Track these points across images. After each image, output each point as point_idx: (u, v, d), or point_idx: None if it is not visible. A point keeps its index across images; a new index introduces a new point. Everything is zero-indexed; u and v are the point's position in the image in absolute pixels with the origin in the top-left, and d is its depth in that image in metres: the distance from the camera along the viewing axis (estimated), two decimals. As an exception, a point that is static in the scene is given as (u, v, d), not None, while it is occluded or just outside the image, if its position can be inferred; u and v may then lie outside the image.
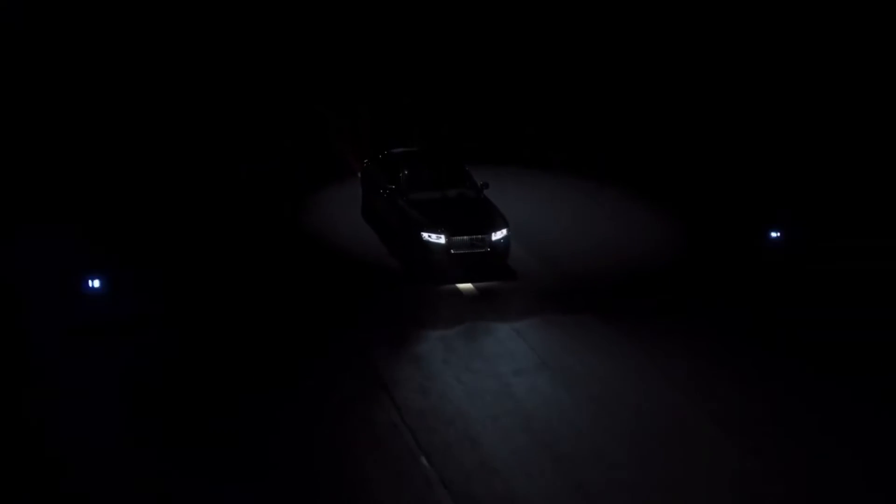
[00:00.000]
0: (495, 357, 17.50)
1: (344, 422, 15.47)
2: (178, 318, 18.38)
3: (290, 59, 34.63)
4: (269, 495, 13.75)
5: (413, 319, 18.76)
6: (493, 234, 20.46)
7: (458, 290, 20.05)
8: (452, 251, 20.31)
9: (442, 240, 20.25)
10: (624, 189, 25.33)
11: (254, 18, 36.79)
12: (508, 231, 20.69)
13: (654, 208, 24.26)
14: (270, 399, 16.04)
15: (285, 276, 20.39)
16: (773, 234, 21.78)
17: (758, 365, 17.48)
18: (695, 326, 18.78)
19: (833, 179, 25.41)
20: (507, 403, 16.06)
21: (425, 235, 20.30)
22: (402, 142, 25.13)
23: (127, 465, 14.24)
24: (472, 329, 18.46)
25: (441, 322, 18.70)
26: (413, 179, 21.60)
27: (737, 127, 29.06)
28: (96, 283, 18.29)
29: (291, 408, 15.82)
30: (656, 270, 21.18)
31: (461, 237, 20.32)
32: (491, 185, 21.91)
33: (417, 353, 17.58)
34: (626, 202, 24.69)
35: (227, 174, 25.52)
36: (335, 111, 30.44)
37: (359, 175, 23.94)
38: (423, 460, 14.58)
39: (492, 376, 16.84)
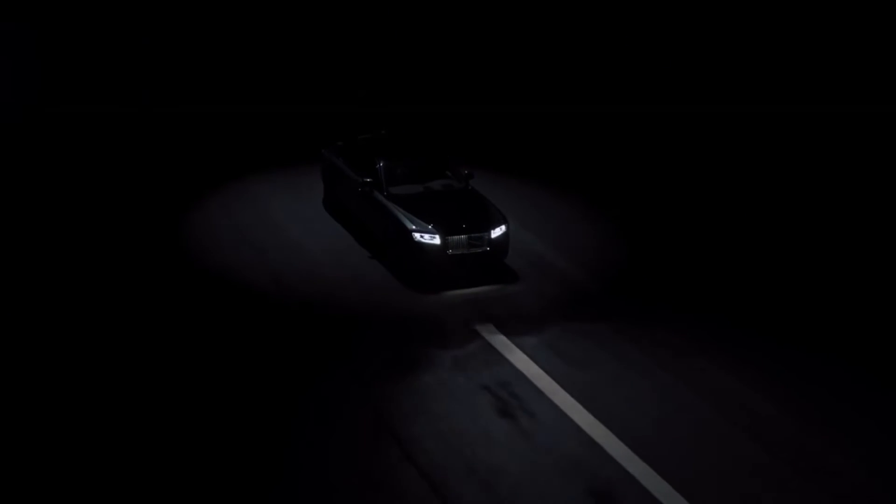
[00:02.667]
0: (516, 383, 15.11)
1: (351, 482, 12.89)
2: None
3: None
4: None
5: (415, 341, 16.18)
6: (492, 231, 17.99)
7: (458, 297, 17.53)
8: (449, 252, 17.77)
9: (437, 241, 17.67)
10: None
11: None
12: (508, 227, 18.25)
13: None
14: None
15: (245, 295, 17.52)
16: None
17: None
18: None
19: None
20: (542, 454, 13.75)
21: (417, 237, 17.68)
22: (357, 127, 22.31)
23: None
24: (484, 350, 15.98)
25: (448, 342, 16.16)
26: (391, 171, 18.90)
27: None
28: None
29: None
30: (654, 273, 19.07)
31: (458, 237, 17.77)
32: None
33: (426, 387, 15.00)
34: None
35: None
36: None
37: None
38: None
39: (515, 411, 14.49)
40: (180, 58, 27.37)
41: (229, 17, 28.43)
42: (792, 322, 16.99)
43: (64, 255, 18.58)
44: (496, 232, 17.99)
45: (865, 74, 24.34)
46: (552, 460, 13.33)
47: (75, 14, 26.78)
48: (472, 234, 17.80)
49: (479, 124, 24.95)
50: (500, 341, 16.19)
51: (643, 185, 22.51)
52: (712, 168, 23.29)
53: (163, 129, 24.45)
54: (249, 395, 14.58)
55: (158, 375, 14.94)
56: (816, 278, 18.55)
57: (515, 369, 15.43)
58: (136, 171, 22.29)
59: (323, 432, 13.71)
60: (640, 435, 13.83)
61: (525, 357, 15.74)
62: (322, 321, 16.63)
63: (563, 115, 25.79)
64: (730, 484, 12.92)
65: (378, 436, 13.70)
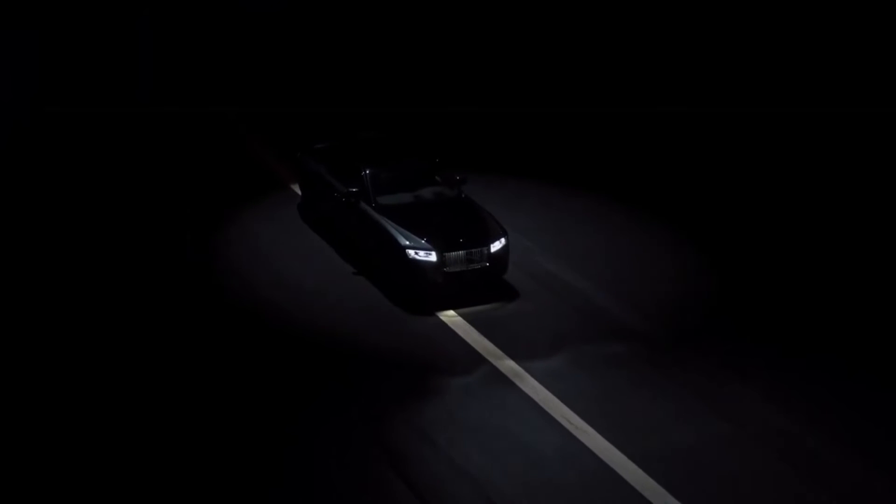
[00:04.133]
0: (528, 413, 13.84)
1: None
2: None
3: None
4: None
5: (417, 369, 14.78)
6: (491, 245, 16.58)
7: (456, 318, 16.13)
8: (446, 270, 16.32)
9: (433, 257, 16.21)
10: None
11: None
12: (507, 239, 16.84)
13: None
14: None
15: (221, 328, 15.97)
16: None
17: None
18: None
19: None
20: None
21: (412, 254, 16.20)
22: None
23: None
24: (492, 377, 14.63)
25: (453, 369, 14.79)
26: (378, 179, 17.37)
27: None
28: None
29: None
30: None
31: (456, 252, 16.33)
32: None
33: (435, 421, 13.66)
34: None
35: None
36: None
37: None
38: None
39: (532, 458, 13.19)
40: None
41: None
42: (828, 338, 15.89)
43: (61, 259, 17.25)
44: (496, 246, 16.58)
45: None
46: (569, 493, 12.31)
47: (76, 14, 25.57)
48: (471, 249, 16.38)
49: (474, 125, 23.25)
50: (509, 367, 14.86)
51: (653, 187, 20.98)
52: (721, 171, 21.75)
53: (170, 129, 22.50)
54: (231, 441, 13.14)
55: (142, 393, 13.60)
56: (846, 286, 17.41)
57: (527, 398, 14.14)
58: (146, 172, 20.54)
59: (322, 473, 12.36)
60: (658, 462, 12.83)
61: (537, 384, 14.47)
62: (311, 349, 15.16)
63: (559, 117, 24.13)
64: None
65: (386, 478, 12.38)
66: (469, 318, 16.12)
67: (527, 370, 14.78)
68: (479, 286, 16.62)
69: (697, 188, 20.72)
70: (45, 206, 18.45)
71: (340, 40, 26.53)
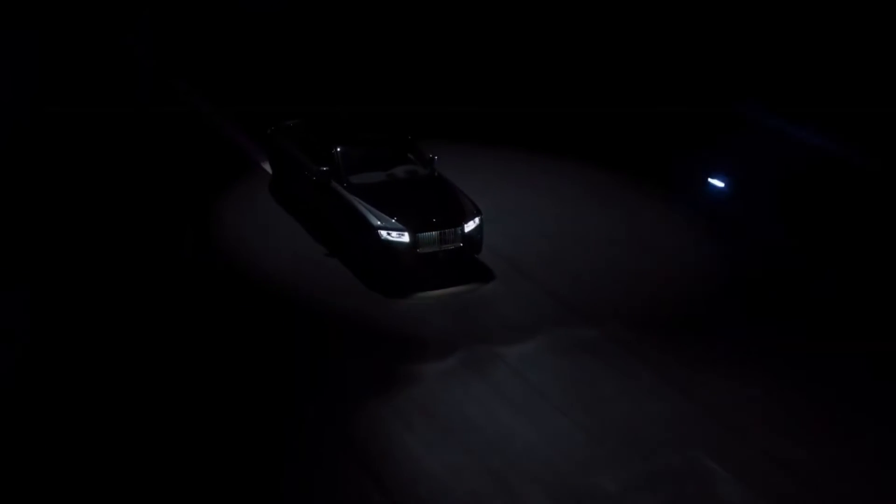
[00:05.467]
0: (503, 398, 13.55)
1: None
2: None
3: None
4: None
5: (390, 353, 14.45)
6: (465, 225, 16.25)
7: (430, 300, 15.82)
8: (419, 251, 15.99)
9: (405, 238, 15.87)
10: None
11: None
12: (481, 219, 16.51)
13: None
14: None
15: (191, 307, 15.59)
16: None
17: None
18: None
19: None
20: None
21: (384, 235, 15.86)
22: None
23: None
24: (468, 362, 14.33)
25: (423, 356, 14.46)
26: (349, 157, 16.99)
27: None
28: None
29: None
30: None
31: (429, 233, 16.00)
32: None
33: (409, 408, 13.33)
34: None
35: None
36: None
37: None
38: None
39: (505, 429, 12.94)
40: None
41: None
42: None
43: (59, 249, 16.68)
44: (470, 225, 16.26)
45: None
46: (543, 480, 12.01)
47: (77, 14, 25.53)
48: (444, 230, 16.05)
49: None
50: (482, 351, 14.55)
51: (636, 173, 20.68)
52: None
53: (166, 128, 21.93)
54: (198, 422, 12.82)
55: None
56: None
57: (500, 382, 13.85)
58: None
59: (294, 469, 12.03)
60: (636, 450, 12.64)
61: (509, 369, 14.18)
62: (280, 335, 14.80)
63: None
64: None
65: (359, 474, 12.05)
66: (442, 301, 15.83)
67: (500, 355, 14.49)
68: (452, 267, 16.32)
69: (679, 175, 20.48)
70: (44, 205, 17.95)
71: (339, 39, 26.27)
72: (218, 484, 11.86)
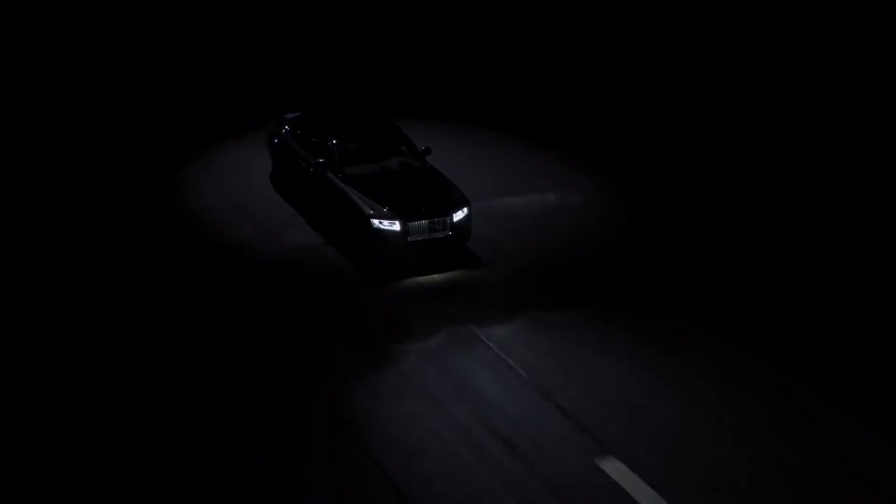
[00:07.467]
0: (485, 377, 14.30)
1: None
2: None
3: None
4: None
5: (377, 334, 15.28)
6: (453, 214, 17.06)
7: (419, 286, 16.62)
8: (409, 239, 16.81)
9: (396, 227, 16.70)
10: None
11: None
12: (469, 209, 17.33)
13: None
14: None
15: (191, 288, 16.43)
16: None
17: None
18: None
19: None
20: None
21: (376, 223, 16.69)
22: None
23: None
24: (451, 342, 15.10)
25: (410, 338, 15.24)
26: (344, 149, 17.82)
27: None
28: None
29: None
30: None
31: (419, 222, 16.82)
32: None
33: (392, 385, 14.12)
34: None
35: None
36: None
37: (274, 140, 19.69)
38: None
39: (485, 406, 13.68)
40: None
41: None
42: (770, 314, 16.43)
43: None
44: (458, 215, 17.08)
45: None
46: (527, 457, 12.67)
47: None
48: (434, 219, 16.87)
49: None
50: (468, 333, 15.35)
51: (619, 158, 21.47)
52: (708, 161, 22.24)
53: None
54: (193, 403, 13.58)
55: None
56: (804, 275, 17.93)
57: (485, 363, 14.64)
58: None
59: (280, 441, 12.82)
60: (615, 429, 13.27)
61: (495, 350, 14.94)
62: (273, 319, 15.62)
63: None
64: (698, 478, 12.37)
65: (348, 453, 12.82)
66: (431, 285, 16.61)
67: (486, 336, 15.24)
68: (441, 255, 17.13)
69: (666, 163, 21.26)
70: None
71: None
72: (207, 468, 12.45)
